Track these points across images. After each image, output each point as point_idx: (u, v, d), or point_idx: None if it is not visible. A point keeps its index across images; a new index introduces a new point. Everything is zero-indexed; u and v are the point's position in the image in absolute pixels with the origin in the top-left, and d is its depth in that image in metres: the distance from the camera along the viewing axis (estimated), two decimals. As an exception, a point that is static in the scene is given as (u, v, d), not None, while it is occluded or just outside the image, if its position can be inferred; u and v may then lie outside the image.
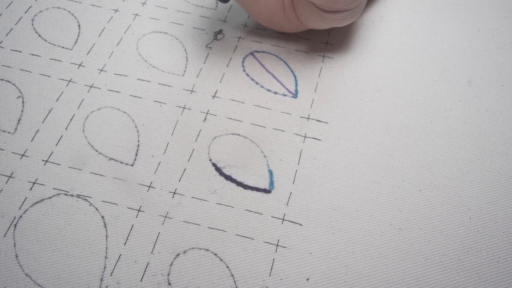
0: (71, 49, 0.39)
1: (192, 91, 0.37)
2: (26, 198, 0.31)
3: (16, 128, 0.34)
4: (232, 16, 0.42)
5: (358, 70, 0.39)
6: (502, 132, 0.36)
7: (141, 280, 0.29)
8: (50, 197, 0.31)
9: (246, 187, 0.32)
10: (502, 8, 0.44)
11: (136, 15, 0.42)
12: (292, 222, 0.31)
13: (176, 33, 0.41)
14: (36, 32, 0.40)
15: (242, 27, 0.42)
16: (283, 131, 0.35)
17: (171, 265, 0.29)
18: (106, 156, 0.33)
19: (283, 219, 0.31)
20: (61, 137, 0.34)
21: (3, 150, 0.33)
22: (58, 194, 0.31)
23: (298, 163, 0.34)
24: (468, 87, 0.38)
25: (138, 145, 0.34)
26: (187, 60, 0.39)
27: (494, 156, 0.34)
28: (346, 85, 0.38)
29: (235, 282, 0.29)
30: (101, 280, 0.29)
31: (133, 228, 0.30)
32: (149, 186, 0.32)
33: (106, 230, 0.30)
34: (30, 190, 0.32)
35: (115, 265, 0.29)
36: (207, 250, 0.30)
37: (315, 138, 0.35)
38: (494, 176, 0.33)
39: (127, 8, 0.42)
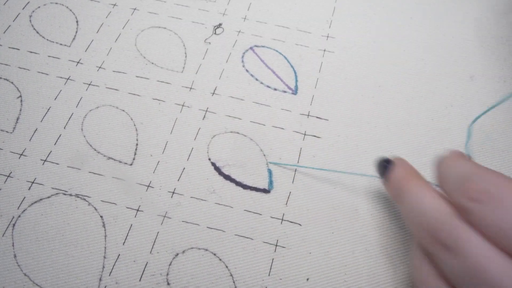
0: (69, 46, 0.39)
1: (191, 88, 0.37)
2: (24, 197, 0.31)
3: (14, 127, 0.34)
4: (232, 8, 0.42)
5: (359, 64, 0.39)
6: (503, 129, 0.35)
7: (140, 280, 0.29)
8: (48, 197, 0.31)
9: (245, 187, 0.32)
10: (504, 3, 0.43)
11: (135, 9, 0.41)
12: (291, 222, 0.31)
13: (175, 28, 0.40)
14: (34, 29, 0.40)
15: (242, 20, 0.41)
16: (282, 128, 0.35)
17: (170, 265, 0.29)
18: (104, 155, 0.33)
19: (282, 219, 0.31)
20: (60, 136, 0.34)
21: (2, 149, 0.33)
22: (56, 193, 0.31)
23: (298, 162, 0.33)
24: (470, 83, 0.38)
25: (137, 144, 0.34)
26: (186, 56, 0.39)
27: (496, 153, 0.34)
28: (347, 80, 0.38)
29: (234, 282, 0.29)
30: (100, 280, 0.29)
31: (132, 227, 0.30)
32: (148, 186, 0.32)
33: (105, 230, 0.30)
34: (29, 189, 0.32)
35: (114, 265, 0.29)
36: (206, 250, 0.30)
37: (315, 136, 0.35)
38: (495, 173, 0.33)
39: (125, 2, 0.42)
